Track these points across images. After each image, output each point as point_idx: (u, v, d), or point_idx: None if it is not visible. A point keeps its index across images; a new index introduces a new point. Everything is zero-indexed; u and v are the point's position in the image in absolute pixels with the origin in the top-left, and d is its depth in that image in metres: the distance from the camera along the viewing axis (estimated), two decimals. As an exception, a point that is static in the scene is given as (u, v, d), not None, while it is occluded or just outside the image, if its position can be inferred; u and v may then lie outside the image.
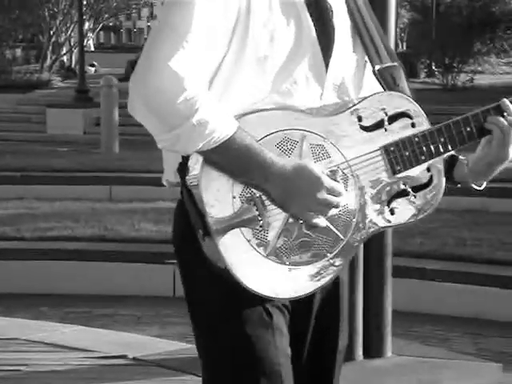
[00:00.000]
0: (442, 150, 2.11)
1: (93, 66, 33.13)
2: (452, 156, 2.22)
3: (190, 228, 2.00)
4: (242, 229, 1.97)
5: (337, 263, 2.05)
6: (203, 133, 1.88)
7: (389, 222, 2.11)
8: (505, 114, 2.12)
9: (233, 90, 1.98)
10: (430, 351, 6.88)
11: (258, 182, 1.95)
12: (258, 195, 1.97)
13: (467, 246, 10.33)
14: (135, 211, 11.94)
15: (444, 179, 2.18)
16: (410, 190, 2.11)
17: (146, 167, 13.57)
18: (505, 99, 2.14)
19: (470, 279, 9.28)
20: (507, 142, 2.11)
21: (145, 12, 60.84)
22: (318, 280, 2.04)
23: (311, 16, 2.04)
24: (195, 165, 1.96)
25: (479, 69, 31.54)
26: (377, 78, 2.15)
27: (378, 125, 2.06)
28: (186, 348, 6.08)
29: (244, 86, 1.99)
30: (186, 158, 1.98)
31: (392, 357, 6.07)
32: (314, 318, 2.22)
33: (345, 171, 2.02)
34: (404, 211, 2.12)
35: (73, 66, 33.17)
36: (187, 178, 1.97)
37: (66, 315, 8.31)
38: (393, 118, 2.08)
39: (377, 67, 2.14)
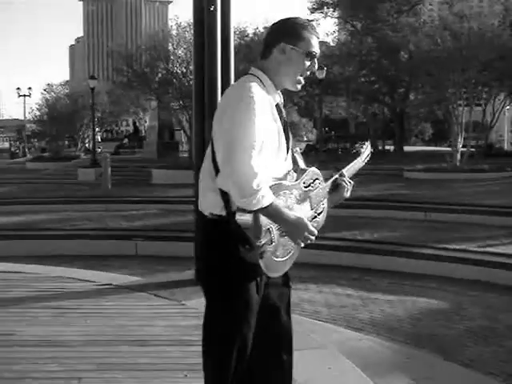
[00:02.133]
0: (328, 194, 3.12)
1: (99, 148, 44.32)
2: None
3: (227, 245, 2.85)
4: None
5: (295, 255, 3.02)
6: (260, 203, 2.70)
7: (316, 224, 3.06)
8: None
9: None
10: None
11: (278, 223, 2.80)
12: (268, 228, 2.79)
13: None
14: (120, 216, 17.63)
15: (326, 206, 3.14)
16: (317, 215, 3.07)
17: (123, 195, 21.53)
18: (343, 170, 3.17)
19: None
20: (344, 190, 3.16)
21: (130, 121, 72.96)
22: (292, 258, 3.01)
23: (284, 131, 2.96)
24: (244, 215, 2.76)
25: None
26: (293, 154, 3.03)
27: (309, 185, 3.00)
28: (140, 280, 8.11)
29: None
30: (227, 198, 2.81)
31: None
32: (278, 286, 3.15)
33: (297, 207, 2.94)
34: (316, 225, 3.04)
35: (90, 148, 42.07)
36: (238, 215, 2.78)
37: (88, 266, 10.38)
38: (313, 181, 3.02)
39: (293, 150, 3.04)
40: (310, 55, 2.96)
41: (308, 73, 3.02)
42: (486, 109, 39.41)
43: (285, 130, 2.96)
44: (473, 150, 33.98)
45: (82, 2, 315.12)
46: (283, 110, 3.02)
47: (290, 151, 2.99)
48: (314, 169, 3.03)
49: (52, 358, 4.98)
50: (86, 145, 50.18)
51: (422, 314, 9.43)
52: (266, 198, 2.69)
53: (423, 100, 38.85)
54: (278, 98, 3.00)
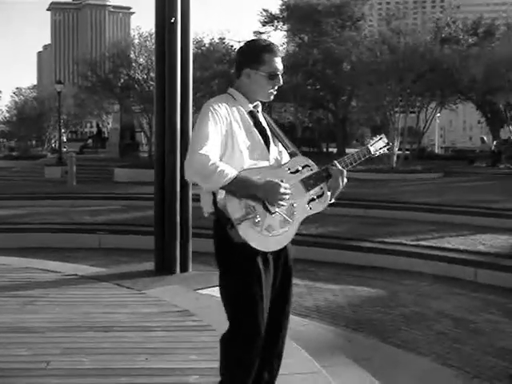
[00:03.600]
0: (325, 179, 3.17)
1: (65, 147, 43.12)
2: None
3: (223, 229, 2.96)
4: (248, 221, 2.93)
5: (290, 233, 3.14)
6: (223, 177, 2.84)
7: (310, 211, 3.17)
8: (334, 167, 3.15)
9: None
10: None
11: (252, 192, 2.88)
12: (252, 205, 2.90)
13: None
14: (84, 211, 17.44)
15: (329, 193, 3.22)
16: (316, 197, 3.17)
17: (88, 191, 21.33)
18: (335, 161, 3.22)
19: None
20: (337, 180, 3.17)
21: (93, 123, 72.87)
22: (288, 236, 3.14)
23: (258, 132, 3.15)
24: (220, 198, 2.90)
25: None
26: (290, 155, 3.20)
27: (297, 171, 3.12)
28: (104, 270, 8.10)
29: (235, 161, 2.99)
30: (215, 197, 2.93)
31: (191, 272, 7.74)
32: (282, 264, 3.28)
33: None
34: (316, 207, 3.18)
35: (56, 147, 41.62)
36: (217, 201, 2.92)
37: (55, 257, 10.33)
38: (303, 167, 3.12)
39: (289, 151, 3.22)
40: (272, 76, 3.17)
41: (276, 87, 3.23)
42: (419, 116, 40.01)
43: (262, 132, 3.19)
44: (407, 152, 34.45)
45: (49, 12, 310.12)
46: (261, 116, 3.26)
47: (274, 148, 3.21)
48: (299, 157, 3.18)
49: (21, 343, 4.92)
50: (53, 145, 49.50)
51: (362, 302, 9.53)
52: (226, 172, 2.88)
53: (363, 107, 39.24)
54: (251, 107, 3.23)
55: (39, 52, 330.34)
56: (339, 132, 48.54)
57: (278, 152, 3.23)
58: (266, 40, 3.26)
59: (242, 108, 3.18)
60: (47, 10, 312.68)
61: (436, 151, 64.09)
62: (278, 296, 3.29)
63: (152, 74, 31.00)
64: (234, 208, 2.93)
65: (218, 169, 2.87)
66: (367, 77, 32.15)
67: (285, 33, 52.09)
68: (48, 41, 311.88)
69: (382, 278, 11.48)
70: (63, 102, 40.83)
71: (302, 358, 4.65)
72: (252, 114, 3.21)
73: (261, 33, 50.46)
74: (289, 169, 3.13)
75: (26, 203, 19.79)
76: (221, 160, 2.97)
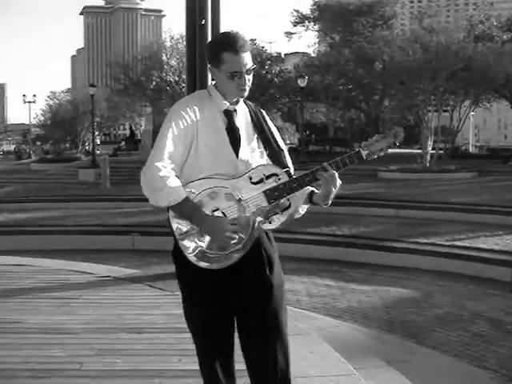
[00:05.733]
0: (294, 190, 2.82)
1: (98, 150, 43.70)
2: (312, 191, 2.96)
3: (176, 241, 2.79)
4: (191, 236, 2.77)
5: (240, 250, 2.79)
6: (168, 198, 2.69)
7: (270, 226, 2.85)
8: (325, 171, 2.85)
9: (190, 171, 2.79)
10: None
11: (194, 224, 2.73)
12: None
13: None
14: (118, 213, 17.57)
15: (299, 202, 2.94)
16: (279, 211, 2.84)
17: (121, 193, 21.11)
18: (325, 163, 2.86)
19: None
20: (328, 184, 2.87)
21: (126, 125, 71.88)
22: (229, 260, 2.78)
23: (227, 133, 2.87)
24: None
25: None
26: (271, 157, 2.93)
27: (261, 180, 2.82)
28: (136, 272, 8.17)
29: (196, 168, 2.80)
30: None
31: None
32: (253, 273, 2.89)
33: (243, 204, 2.78)
34: (278, 221, 2.85)
35: (90, 150, 42.20)
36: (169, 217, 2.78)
37: (89, 259, 10.51)
38: (268, 177, 2.83)
39: (268, 151, 2.94)
40: (232, 76, 2.86)
41: (243, 86, 2.92)
42: (452, 114, 39.62)
43: (232, 133, 2.92)
44: (441, 152, 34.10)
45: (82, 16, 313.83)
46: (241, 114, 2.98)
47: (244, 151, 2.92)
48: (267, 166, 2.91)
49: (55, 344, 4.96)
50: (86, 147, 50.02)
51: (395, 303, 9.44)
52: (174, 193, 2.69)
53: (396, 106, 38.99)
54: (226, 105, 2.94)
55: (73, 56, 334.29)
56: (371, 132, 48.12)
57: (252, 155, 2.93)
58: (229, 36, 2.88)
59: (215, 106, 2.94)
60: (80, 14, 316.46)
61: (470, 150, 63.33)
62: (249, 309, 2.96)
63: (184, 76, 31.18)
64: (179, 222, 2.79)
65: (167, 187, 2.69)
66: (399, 76, 31.94)
67: (316, 33, 52.03)
68: (81, 44, 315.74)
69: (415, 278, 11.38)
70: (96, 104, 41.26)
71: (334, 359, 4.60)
72: (226, 113, 2.95)
73: (292, 33, 50.49)
74: (251, 178, 2.84)
75: (59, 205, 20.09)
76: (185, 162, 2.82)
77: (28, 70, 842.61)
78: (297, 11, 49.68)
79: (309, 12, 49.26)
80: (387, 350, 6.16)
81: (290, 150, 39.19)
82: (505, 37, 38.59)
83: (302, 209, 3.04)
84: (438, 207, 17.24)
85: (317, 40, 54.48)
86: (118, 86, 46.70)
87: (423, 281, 11.17)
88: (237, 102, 2.98)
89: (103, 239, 14.37)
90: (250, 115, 3.02)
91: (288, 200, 2.88)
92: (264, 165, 2.91)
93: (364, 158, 2.96)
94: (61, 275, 7.46)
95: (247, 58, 2.88)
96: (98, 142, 56.50)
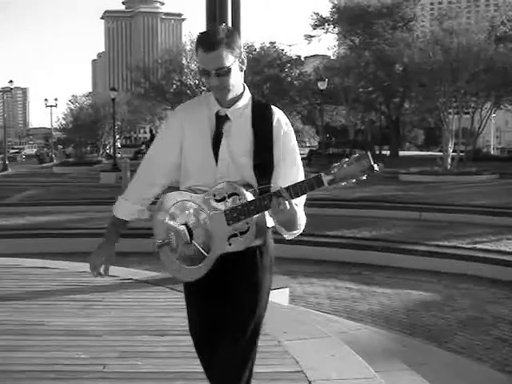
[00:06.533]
0: (251, 213, 2.55)
1: (119, 153, 44.36)
2: None
3: None
4: (167, 246, 2.75)
5: (202, 269, 2.69)
6: (113, 210, 2.88)
7: (228, 248, 2.61)
8: (279, 196, 2.48)
9: (183, 174, 2.76)
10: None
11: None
12: (172, 230, 2.71)
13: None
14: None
15: (254, 227, 2.60)
16: (238, 233, 2.59)
17: None
18: (281, 188, 2.51)
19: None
20: (276, 213, 2.52)
21: (147, 129, 73.66)
22: (200, 272, 2.70)
23: (212, 139, 2.68)
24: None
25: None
26: (257, 170, 2.63)
27: (223, 199, 2.59)
28: (158, 275, 7.65)
29: (185, 172, 2.75)
30: None
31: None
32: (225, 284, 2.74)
33: (207, 221, 2.64)
34: (237, 244, 2.61)
35: (111, 154, 42.73)
36: None
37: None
38: (229, 196, 2.58)
39: (255, 163, 2.63)
40: (202, 73, 2.68)
41: (218, 87, 2.67)
42: (473, 117, 39.36)
43: (216, 138, 2.71)
44: (462, 154, 33.89)
45: (103, 20, 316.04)
46: (234, 120, 2.72)
47: (223, 160, 2.69)
48: (228, 184, 2.63)
49: (79, 346, 4.99)
50: (107, 151, 50.39)
51: (416, 306, 9.42)
52: (116, 207, 2.91)
53: (416, 108, 38.87)
54: (217, 108, 2.73)
55: (94, 60, 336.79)
56: (392, 134, 48.05)
57: (236, 166, 2.68)
58: (205, 32, 2.71)
59: (210, 110, 2.74)
60: (101, 18, 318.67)
61: (491, 152, 62.87)
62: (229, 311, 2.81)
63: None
64: (158, 230, 2.82)
65: (120, 198, 2.88)
66: (420, 78, 31.79)
67: (336, 35, 51.95)
68: (102, 49, 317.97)
69: (437, 281, 11.33)
70: (117, 108, 41.56)
71: (355, 362, 4.58)
72: (217, 117, 2.73)
73: (311, 36, 50.44)
74: (214, 195, 2.64)
75: (81, 209, 20.22)
76: (181, 165, 2.77)
77: (50, 75, 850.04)
78: (316, 14, 49.66)
79: (328, 15, 49.19)
80: (408, 353, 6.15)
81: (310, 153, 39.06)
82: (526, 38, 38.30)
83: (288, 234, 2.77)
84: (460, 210, 17.14)
85: (336, 42, 54.39)
86: (139, 89, 46.99)
87: (444, 284, 11.13)
88: (232, 105, 2.72)
89: (125, 242, 14.26)
90: (253, 121, 2.72)
91: (247, 224, 2.60)
92: (229, 182, 2.64)
93: (325, 184, 2.51)
94: (83, 278, 7.44)
95: (219, 57, 2.59)
96: (119, 146, 56.86)
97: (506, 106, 42.85)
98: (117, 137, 47.00)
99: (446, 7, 66.34)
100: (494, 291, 10.63)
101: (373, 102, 46.38)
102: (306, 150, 46.64)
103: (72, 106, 54.38)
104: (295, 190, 2.54)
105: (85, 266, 8.25)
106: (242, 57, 2.70)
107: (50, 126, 68.77)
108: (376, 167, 2.53)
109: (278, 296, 7.18)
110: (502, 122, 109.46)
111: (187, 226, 2.71)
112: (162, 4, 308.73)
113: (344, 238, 14.34)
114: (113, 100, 37.55)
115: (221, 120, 2.72)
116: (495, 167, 29.91)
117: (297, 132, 51.47)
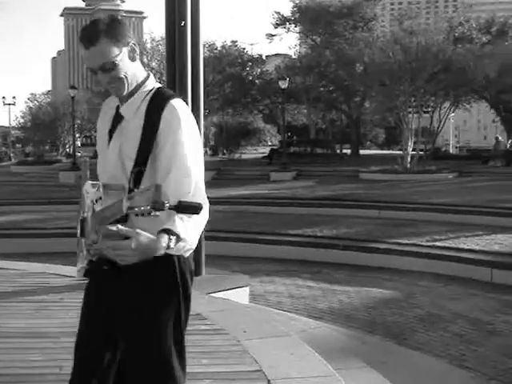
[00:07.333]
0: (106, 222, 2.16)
1: (79, 152, 43.05)
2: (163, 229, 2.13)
3: None
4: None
5: (82, 267, 2.40)
6: None
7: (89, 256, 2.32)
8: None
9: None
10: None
11: None
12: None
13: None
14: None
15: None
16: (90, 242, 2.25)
17: None
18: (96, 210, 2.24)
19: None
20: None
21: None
22: (79, 273, 2.43)
23: (109, 136, 2.44)
24: None
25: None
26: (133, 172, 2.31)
27: (92, 202, 2.32)
28: None
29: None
30: None
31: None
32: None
33: (89, 220, 2.32)
34: (83, 255, 2.34)
35: (71, 152, 43.06)
36: None
37: (70, 262, 10.03)
38: (97, 200, 2.31)
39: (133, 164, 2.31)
40: (90, 71, 2.41)
41: (107, 85, 2.41)
42: (433, 116, 39.88)
43: (109, 135, 2.48)
44: (422, 153, 34.29)
45: (62, 18, 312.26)
46: (126, 115, 2.42)
47: (110, 158, 2.45)
48: (104, 187, 2.36)
49: (35, 348, 4.93)
50: (67, 150, 49.79)
51: (376, 303, 9.50)
52: None
53: (377, 108, 39.15)
54: (116, 103, 2.48)
55: (53, 58, 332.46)
56: (353, 133, 48.43)
57: (122, 167, 2.41)
58: (83, 27, 2.43)
59: (114, 105, 2.52)
60: (60, 15, 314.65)
61: (451, 151, 63.84)
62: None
63: (164, 78, 31.19)
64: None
65: None
66: (380, 77, 32.08)
67: (297, 35, 52.11)
68: (62, 46, 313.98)
69: (397, 279, 11.45)
70: (77, 107, 41.11)
71: (315, 360, 4.59)
72: (116, 113, 2.48)
73: (273, 35, 50.53)
74: (88, 194, 2.43)
75: (39, 208, 19.92)
76: None
77: (7, 73, 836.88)
78: (278, 13, 49.65)
79: (289, 14, 49.30)
80: (368, 350, 6.20)
81: (272, 152, 39.03)
82: (484, 39, 38.90)
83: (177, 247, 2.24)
84: (419, 208, 17.35)
85: (298, 42, 54.57)
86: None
87: (404, 281, 11.24)
88: (127, 99, 2.43)
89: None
90: (145, 119, 2.38)
91: (96, 234, 2.26)
92: (104, 184, 2.37)
93: (123, 211, 2.09)
94: (41, 278, 7.39)
95: (100, 52, 2.33)
96: (79, 145, 56.21)
97: (464, 105, 43.45)
98: (77, 135, 46.47)
99: (405, 7, 67.06)
100: (452, 288, 10.78)
101: (334, 101, 46.62)
102: (268, 149, 46.75)
103: (31, 105, 53.67)
104: (103, 213, 2.24)
105: (44, 267, 8.24)
106: (132, 44, 2.41)
107: (8, 125, 67.76)
108: (166, 206, 2.01)
109: (239, 295, 7.20)
110: (460, 121, 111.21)
111: (82, 221, 2.41)
112: (123, 1, 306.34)
113: (305, 236, 14.42)
114: (72, 98, 37.13)
115: (117, 118, 2.48)
116: (454, 166, 30.36)
117: (258, 131, 51.60)
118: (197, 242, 2.32)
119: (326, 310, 8.96)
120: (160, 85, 2.52)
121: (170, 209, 2.02)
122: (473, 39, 38.39)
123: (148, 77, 2.49)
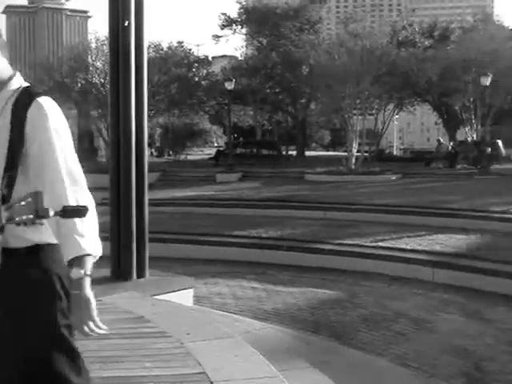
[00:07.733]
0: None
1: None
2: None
3: None
4: None
5: None
6: None
7: None
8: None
9: None
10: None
11: None
12: None
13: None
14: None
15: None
16: None
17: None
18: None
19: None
20: None
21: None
22: None
23: None
24: None
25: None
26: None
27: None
28: None
29: None
30: None
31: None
32: None
33: None
34: None
35: None
36: None
37: None
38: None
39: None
40: None
41: None
42: (377, 118, 40.46)
43: None
44: (366, 154, 34.75)
45: (4, 15, 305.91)
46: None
47: None
48: None
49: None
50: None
51: (321, 304, 9.56)
52: None
53: (322, 109, 39.50)
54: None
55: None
56: (299, 135, 48.77)
57: None
58: None
59: None
60: (2, 12, 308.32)
61: (394, 153, 64.89)
62: None
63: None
64: None
65: None
66: (325, 79, 32.36)
67: (243, 36, 52.19)
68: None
69: (341, 280, 11.54)
70: None
71: (258, 362, 4.60)
72: None
73: (219, 36, 50.50)
74: None
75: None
76: None
77: None
78: (224, 14, 49.66)
79: (236, 15, 49.37)
80: (312, 351, 6.24)
81: (218, 153, 39.10)
82: (426, 43, 39.67)
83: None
84: (363, 209, 17.54)
85: (244, 43, 54.68)
86: (42, 87, 45.72)
87: (348, 282, 11.35)
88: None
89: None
90: (12, 118, 2.19)
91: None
92: None
93: (2, 221, 1.94)
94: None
95: None
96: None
97: (408, 107, 44.26)
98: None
99: (351, 11, 67.91)
100: (395, 288, 10.93)
101: (280, 103, 46.88)
102: (214, 151, 46.71)
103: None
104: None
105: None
106: None
107: None
108: (51, 213, 1.84)
109: (183, 297, 7.16)
110: (404, 123, 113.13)
111: None
112: (67, 0, 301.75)
113: (250, 237, 14.41)
114: None
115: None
116: (398, 167, 30.83)
117: (204, 132, 51.50)
118: (101, 246, 2.24)
119: (270, 311, 8.97)
120: (28, 84, 2.31)
121: (55, 215, 1.86)
122: (416, 43, 39.11)
123: (14, 75, 2.29)
